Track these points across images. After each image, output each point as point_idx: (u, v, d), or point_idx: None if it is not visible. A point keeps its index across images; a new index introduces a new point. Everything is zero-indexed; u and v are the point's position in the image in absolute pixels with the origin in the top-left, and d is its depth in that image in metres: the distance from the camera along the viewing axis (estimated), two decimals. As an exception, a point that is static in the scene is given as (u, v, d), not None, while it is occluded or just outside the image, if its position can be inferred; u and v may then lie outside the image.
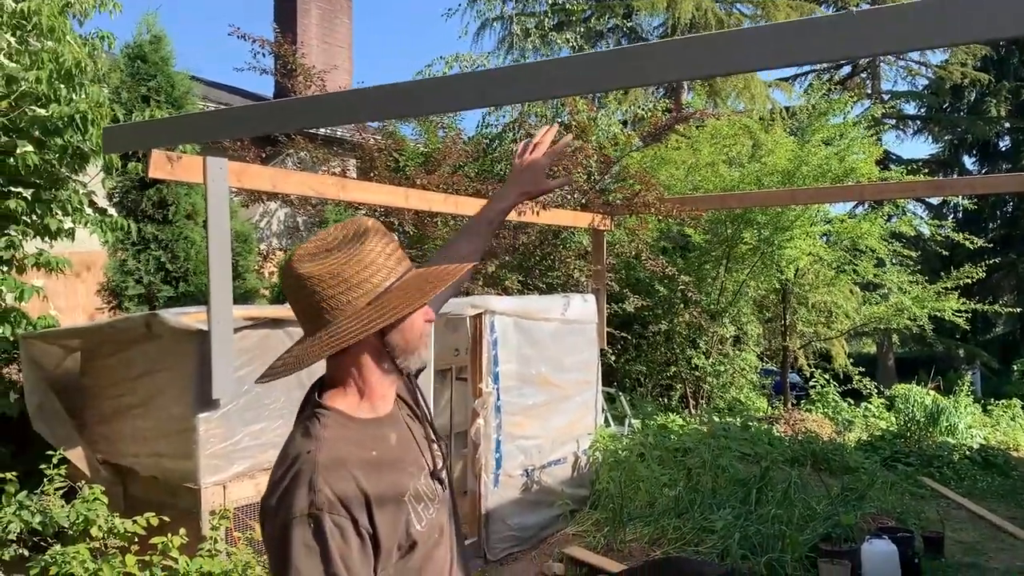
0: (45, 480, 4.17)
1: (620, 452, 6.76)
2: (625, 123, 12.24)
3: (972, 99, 23.58)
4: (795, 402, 11.83)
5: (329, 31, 11.64)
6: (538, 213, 6.63)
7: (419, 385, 1.75)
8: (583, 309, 6.80)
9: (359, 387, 1.52)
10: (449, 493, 1.67)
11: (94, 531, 3.97)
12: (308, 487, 1.35)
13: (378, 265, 1.48)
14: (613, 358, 9.74)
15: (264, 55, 8.51)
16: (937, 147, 24.82)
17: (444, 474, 1.64)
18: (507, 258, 8.13)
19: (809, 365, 12.50)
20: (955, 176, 22.47)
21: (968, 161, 24.30)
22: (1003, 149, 23.91)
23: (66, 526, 4.00)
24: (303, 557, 1.31)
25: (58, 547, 3.82)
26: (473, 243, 1.95)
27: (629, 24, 18.49)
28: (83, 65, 4.44)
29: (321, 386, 1.57)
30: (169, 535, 3.91)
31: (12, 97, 4.53)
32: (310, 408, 1.52)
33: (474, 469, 5.63)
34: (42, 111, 4.57)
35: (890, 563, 5.05)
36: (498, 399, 5.74)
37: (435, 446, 1.66)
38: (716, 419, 8.70)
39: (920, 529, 5.97)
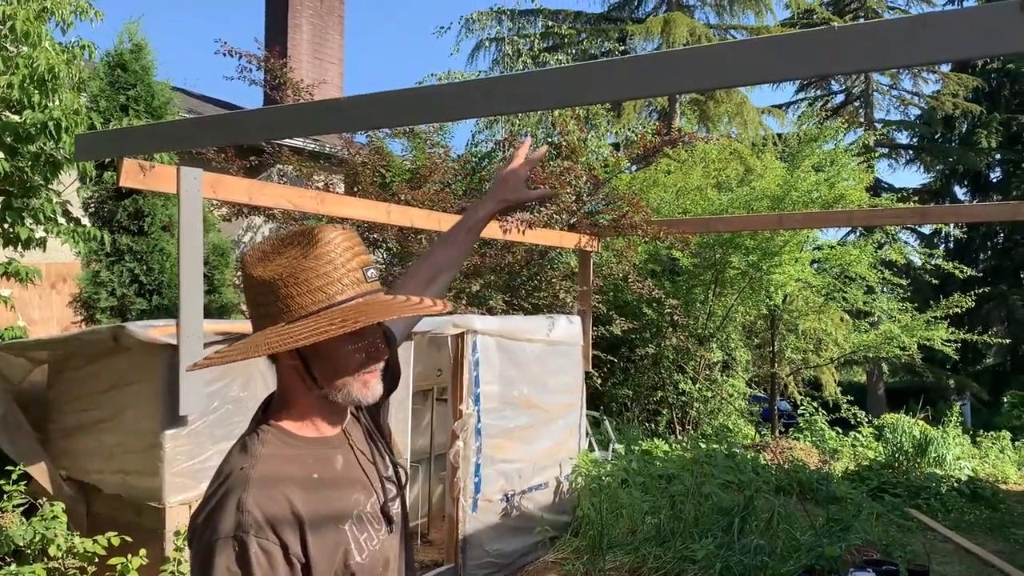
0: (4, 496, 4.03)
1: (603, 478, 6.63)
2: (616, 146, 12.21)
3: (964, 130, 23.73)
4: (783, 430, 11.73)
5: (320, 46, 11.60)
6: (524, 232, 6.55)
7: (384, 408, 1.64)
8: (568, 330, 6.70)
9: (300, 406, 1.42)
10: (401, 525, 1.55)
11: (52, 550, 3.84)
12: (236, 507, 1.25)
13: (319, 283, 1.33)
14: (599, 381, 9.63)
15: (252, 69, 8.43)
16: (929, 177, 24.95)
17: (396, 506, 1.52)
18: (492, 277, 8.03)
19: (799, 392, 12.41)
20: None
21: (959, 191, 24.40)
22: (994, 180, 24.03)
23: (23, 545, 3.86)
24: None
25: (13, 567, 3.68)
26: (450, 251, 1.87)
27: (623, 48, 18.55)
28: (57, 71, 4.34)
29: (269, 403, 1.46)
30: (129, 556, 3.78)
31: (-16, 102, 4.44)
32: (253, 423, 1.43)
33: (452, 493, 5.50)
34: (15, 117, 4.48)
35: (874, 597, 4.93)
36: (479, 421, 5.62)
37: (391, 472, 1.55)
38: (702, 445, 8.58)
39: (906, 562, 5.85)
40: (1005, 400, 18.92)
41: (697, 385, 10.40)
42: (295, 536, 1.26)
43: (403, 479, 1.58)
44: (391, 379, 1.77)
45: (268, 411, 1.44)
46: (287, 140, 8.97)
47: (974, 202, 23.25)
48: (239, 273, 1.48)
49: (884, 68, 1.91)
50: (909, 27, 1.53)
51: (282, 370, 1.41)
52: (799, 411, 11.42)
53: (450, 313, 6.57)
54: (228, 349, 1.35)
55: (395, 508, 1.50)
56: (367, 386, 1.40)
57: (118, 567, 3.73)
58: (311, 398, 1.41)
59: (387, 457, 1.57)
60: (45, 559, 3.84)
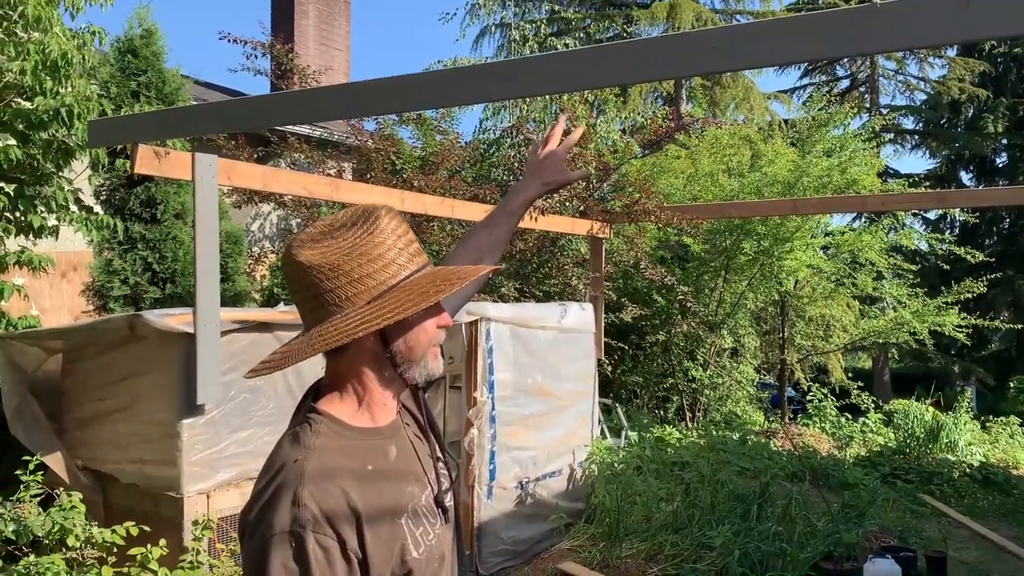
0: (21, 487, 4.01)
1: (616, 465, 6.61)
2: (624, 131, 12.14)
3: (970, 115, 23.59)
4: (792, 416, 11.70)
5: (327, 33, 11.52)
6: (536, 219, 6.50)
7: (426, 398, 1.60)
8: (580, 318, 6.66)
9: (357, 393, 1.36)
10: (454, 518, 1.51)
11: (71, 540, 3.81)
12: (292, 501, 1.20)
13: (386, 259, 1.31)
14: (610, 369, 9.60)
15: (258, 56, 8.36)
16: (935, 162, 24.82)
17: (449, 498, 1.47)
18: (503, 264, 8.00)
19: (806, 379, 12.38)
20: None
21: (965, 176, 24.28)
22: (1000, 165, 23.89)
23: (41, 535, 3.83)
24: None
25: (32, 557, 3.66)
26: (493, 234, 1.83)
27: (630, 30, 18.43)
28: (70, 57, 4.29)
29: (317, 391, 1.41)
30: (149, 546, 3.75)
31: (-4, 89, 4.39)
32: (303, 414, 1.36)
33: (467, 481, 5.48)
34: (27, 104, 4.43)
35: (894, 584, 4.91)
36: (493, 409, 5.59)
37: (440, 465, 1.50)
38: (714, 432, 8.56)
39: (923, 548, 5.84)
40: (1011, 386, 18.89)
41: (707, 372, 10.36)
42: (352, 531, 1.22)
43: (454, 471, 1.54)
44: None
45: (317, 399, 1.38)
46: (295, 128, 8.92)
47: (980, 187, 23.17)
48: (289, 258, 1.43)
49: (930, 45, 1.88)
50: (952, 5, 1.49)
51: (347, 355, 1.35)
52: (807, 397, 11.40)
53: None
54: (301, 343, 1.30)
55: (448, 500, 1.46)
56: (437, 359, 1.39)
57: (138, 557, 3.70)
58: (373, 384, 1.36)
59: (437, 448, 1.52)
60: (64, 549, 3.81)
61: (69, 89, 4.47)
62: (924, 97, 24.26)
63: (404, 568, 1.29)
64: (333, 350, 1.31)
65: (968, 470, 8.33)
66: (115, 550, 3.82)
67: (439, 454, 1.51)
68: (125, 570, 3.68)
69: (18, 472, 4.05)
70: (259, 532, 1.20)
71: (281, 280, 7.07)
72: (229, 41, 8.17)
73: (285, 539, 1.18)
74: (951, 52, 22.51)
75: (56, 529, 3.80)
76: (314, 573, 1.17)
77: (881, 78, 24.02)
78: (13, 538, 3.81)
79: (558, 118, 1.96)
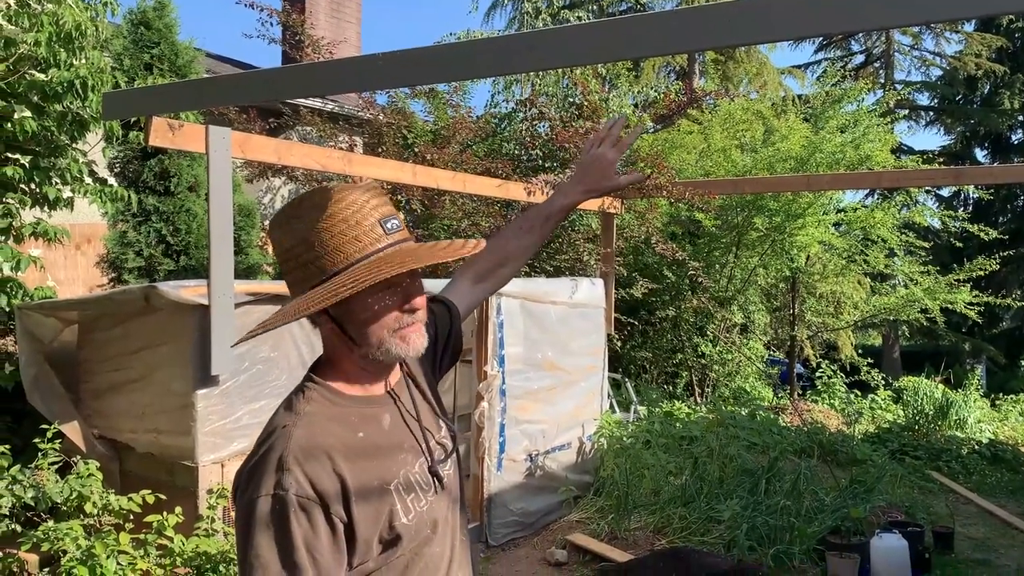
0: (39, 454, 4.07)
1: (625, 439, 6.65)
2: (637, 106, 12.07)
3: (986, 91, 23.28)
4: (801, 392, 11.72)
5: (339, 5, 11.45)
6: (548, 194, 6.50)
7: (424, 367, 1.62)
8: (591, 293, 6.68)
9: (346, 364, 1.40)
10: (458, 484, 1.53)
11: (88, 507, 3.88)
12: (277, 466, 1.23)
13: (334, 243, 1.30)
14: (619, 344, 9.62)
15: (272, 25, 8.36)
16: (949, 139, 24.55)
17: (450, 466, 1.50)
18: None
19: (816, 355, 12.37)
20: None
21: (980, 153, 24.01)
22: (1015, 142, 23.62)
23: (60, 502, 3.90)
24: (263, 540, 1.20)
25: (51, 523, 3.73)
26: (523, 240, 1.78)
27: (643, 1, 18.25)
28: (84, 28, 4.29)
29: (319, 363, 1.45)
30: (165, 513, 3.81)
31: (10, 60, 4.40)
32: (301, 381, 1.41)
33: (477, 453, 5.53)
34: (41, 76, 4.44)
35: (900, 558, 4.93)
36: (503, 382, 5.63)
37: (442, 434, 1.52)
38: (723, 407, 8.58)
39: (930, 524, 5.87)
40: (1022, 364, 18.84)
41: (716, 348, 10.37)
42: (337, 496, 1.25)
43: (454, 441, 1.55)
44: (452, 353, 1.75)
45: (316, 371, 1.42)
46: (306, 101, 8.91)
47: (995, 164, 22.94)
48: (269, 235, 1.45)
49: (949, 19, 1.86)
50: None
51: (323, 333, 1.40)
52: (817, 374, 11.41)
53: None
54: (269, 319, 1.34)
55: (445, 469, 1.47)
56: (406, 340, 1.36)
57: (154, 524, 3.77)
58: (354, 358, 1.39)
59: (440, 419, 1.55)
60: (81, 516, 3.88)
61: (83, 61, 4.48)
62: (940, 73, 23.95)
63: (392, 533, 1.32)
64: (315, 324, 1.38)
65: (977, 447, 8.34)
66: (131, 517, 3.89)
67: (438, 423, 1.53)
68: (142, 536, 3.75)
69: (36, 440, 4.12)
70: (247, 493, 1.24)
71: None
72: (245, 5, 8.24)
73: (268, 501, 1.21)
74: (968, 27, 22.20)
75: (74, 496, 3.87)
76: (295, 535, 1.20)
77: (897, 53, 23.72)
78: (32, 504, 3.88)
79: (619, 118, 1.89)
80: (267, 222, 8.85)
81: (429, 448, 1.46)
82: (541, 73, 9.51)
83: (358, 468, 1.29)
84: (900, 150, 20.71)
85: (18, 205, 4.82)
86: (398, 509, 1.33)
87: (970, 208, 21.99)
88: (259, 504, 1.21)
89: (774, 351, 12.86)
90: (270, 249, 8.29)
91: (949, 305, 11.37)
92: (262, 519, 1.21)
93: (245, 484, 1.26)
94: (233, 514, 1.33)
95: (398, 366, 1.48)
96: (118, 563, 3.53)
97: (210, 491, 4.08)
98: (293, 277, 1.34)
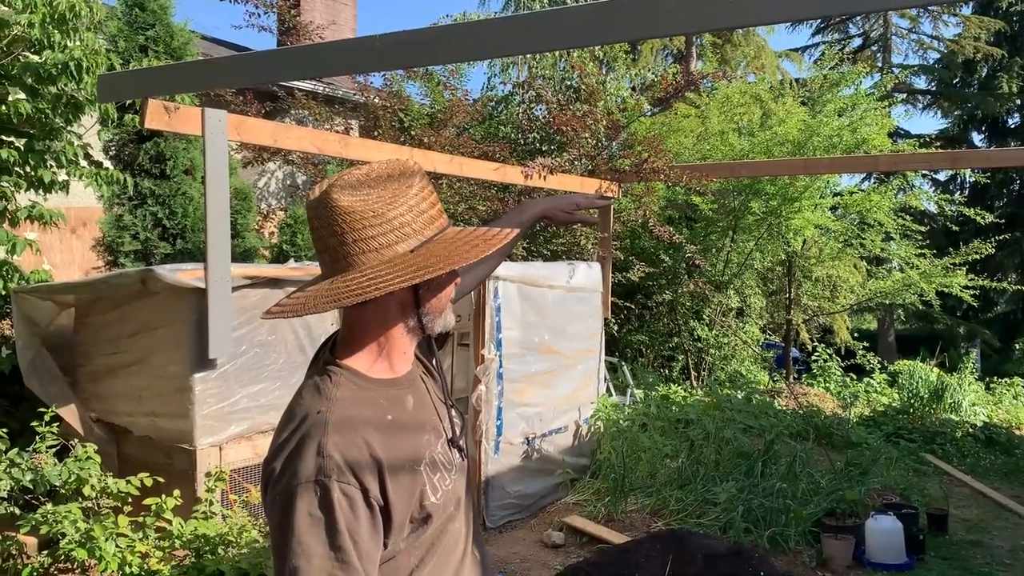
0: (37, 438, 4.08)
1: (622, 422, 6.67)
2: (634, 89, 12.03)
3: (984, 75, 23.23)
4: (796, 376, 11.76)
5: (334, -12, 11.37)
6: (545, 178, 6.49)
7: (423, 351, 1.63)
8: (588, 277, 6.68)
9: (379, 343, 1.38)
10: (467, 462, 1.56)
11: (86, 490, 3.89)
12: (316, 451, 1.23)
13: (426, 213, 1.34)
14: (616, 327, 9.64)
15: (260, 15, 8.25)
16: (946, 122, 24.51)
17: (463, 441, 1.52)
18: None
19: (811, 339, 12.40)
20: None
21: (977, 137, 23.99)
22: (1012, 126, 23.60)
23: (58, 485, 3.91)
24: (307, 528, 1.20)
25: (49, 506, 3.74)
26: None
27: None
28: (78, 9, 4.26)
29: (334, 343, 1.44)
30: (163, 496, 3.82)
31: (4, 42, 4.37)
32: (321, 365, 1.39)
33: (475, 436, 5.54)
34: (35, 57, 4.41)
35: (895, 539, 4.98)
36: (500, 366, 5.64)
37: (453, 411, 1.55)
38: (719, 391, 8.61)
39: (924, 506, 5.91)
40: (1016, 347, 18.92)
41: (712, 331, 10.39)
42: (374, 479, 1.25)
43: (462, 419, 1.58)
44: (439, 337, 1.78)
45: (335, 351, 1.40)
46: (301, 83, 8.86)
47: (992, 148, 22.93)
48: (326, 202, 1.38)
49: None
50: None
51: (375, 306, 1.34)
52: (813, 357, 11.44)
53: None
54: (331, 291, 1.28)
55: (463, 440, 1.52)
56: (451, 313, 1.45)
57: (153, 507, 3.78)
58: (398, 333, 1.39)
59: (445, 393, 1.57)
60: (80, 499, 3.89)
61: (77, 43, 4.45)
62: (937, 56, 23.88)
63: (423, 512, 1.34)
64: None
65: (971, 430, 8.38)
66: (130, 500, 3.90)
67: (449, 400, 1.56)
68: (140, 519, 3.76)
69: (34, 423, 4.12)
70: (284, 481, 1.23)
71: (290, 237, 7.08)
72: (231, 2, 8.05)
73: (311, 488, 1.21)
74: (966, 10, 22.12)
75: (72, 479, 3.88)
76: (339, 520, 1.20)
77: (894, 36, 23.65)
78: (30, 487, 3.89)
79: (608, 200, 2.12)
80: (263, 204, 8.83)
81: (450, 425, 1.50)
82: (538, 56, 9.47)
83: (391, 450, 1.29)
84: (897, 134, 20.67)
85: (13, 188, 4.80)
86: (427, 489, 1.35)
87: (966, 192, 22.01)
88: (300, 491, 1.21)
89: (770, 335, 12.90)
90: (267, 232, 8.30)
91: (945, 289, 11.40)
92: (304, 506, 1.20)
93: (280, 473, 1.25)
94: (263, 504, 1.30)
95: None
96: (117, 546, 3.54)
97: (208, 474, 4.09)
98: (372, 243, 1.30)
